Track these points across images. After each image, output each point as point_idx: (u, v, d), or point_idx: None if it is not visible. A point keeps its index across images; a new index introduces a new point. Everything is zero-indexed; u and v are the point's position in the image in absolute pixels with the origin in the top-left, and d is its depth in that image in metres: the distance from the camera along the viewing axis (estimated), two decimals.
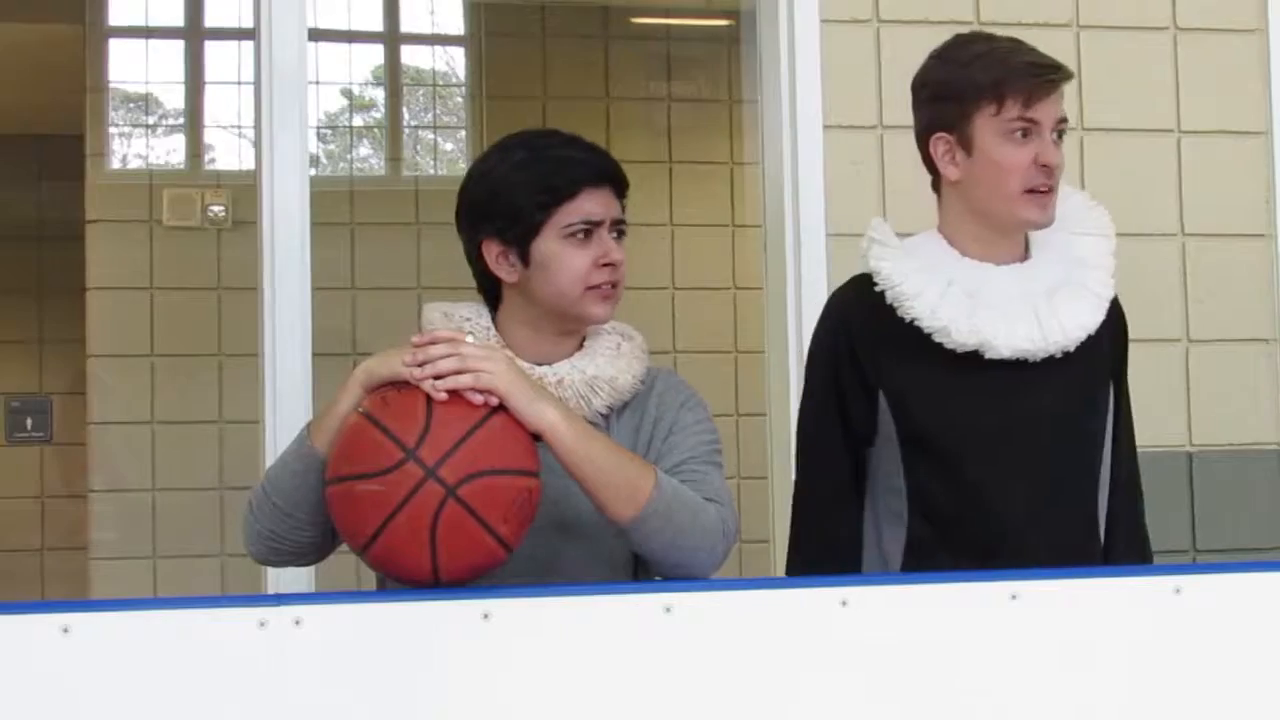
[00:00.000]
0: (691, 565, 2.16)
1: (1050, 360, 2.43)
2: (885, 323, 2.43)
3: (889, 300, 2.44)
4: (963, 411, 2.42)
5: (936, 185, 2.51)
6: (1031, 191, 2.41)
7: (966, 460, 2.42)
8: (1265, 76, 3.44)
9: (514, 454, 2.01)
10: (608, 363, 2.30)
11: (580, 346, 2.33)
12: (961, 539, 2.42)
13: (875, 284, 2.46)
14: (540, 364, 2.28)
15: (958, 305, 2.40)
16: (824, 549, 2.48)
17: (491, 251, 2.29)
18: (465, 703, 1.89)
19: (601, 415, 2.28)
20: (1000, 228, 2.46)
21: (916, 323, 2.41)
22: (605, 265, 2.27)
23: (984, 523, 2.42)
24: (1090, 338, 2.46)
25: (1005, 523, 2.42)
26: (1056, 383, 2.44)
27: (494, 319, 2.33)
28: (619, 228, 2.30)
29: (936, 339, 2.41)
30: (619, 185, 2.31)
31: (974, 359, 2.41)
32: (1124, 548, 2.53)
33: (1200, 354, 3.39)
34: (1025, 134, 2.40)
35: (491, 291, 2.34)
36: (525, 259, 2.27)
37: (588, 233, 2.26)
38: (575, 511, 2.20)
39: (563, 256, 2.26)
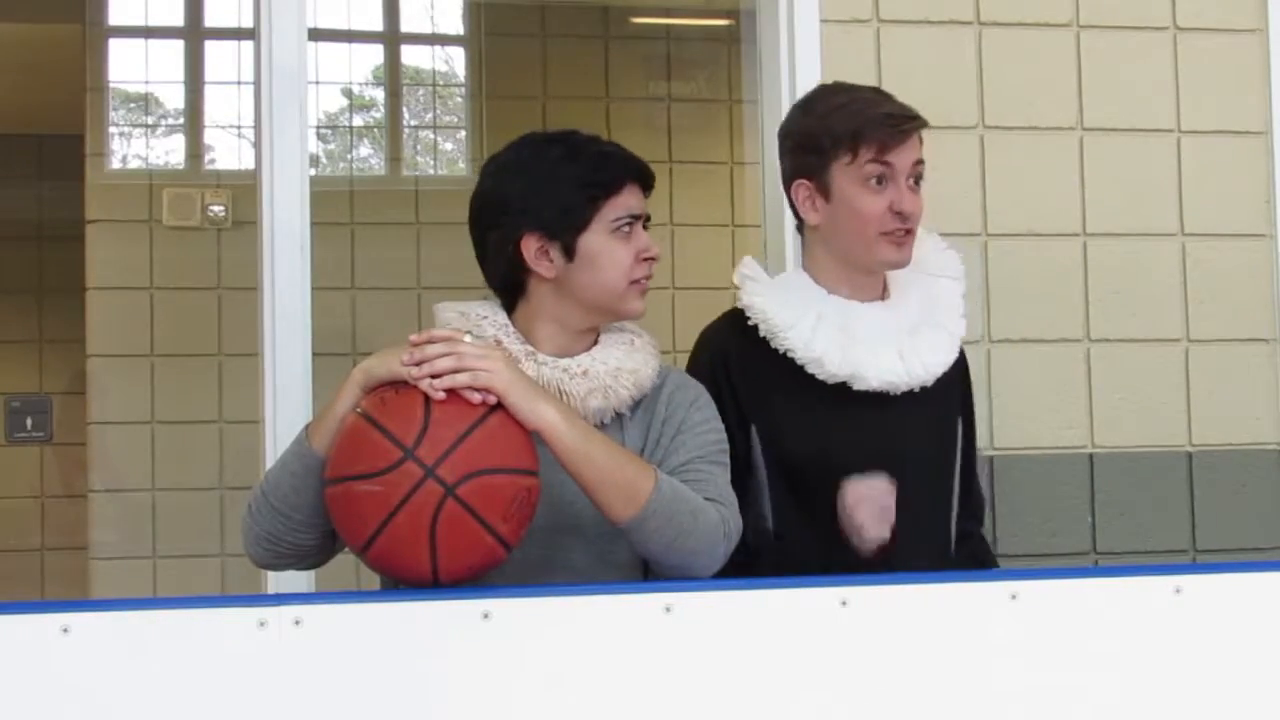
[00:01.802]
0: (691, 566, 2.16)
1: (910, 395, 2.52)
2: (758, 356, 2.51)
3: (763, 334, 2.52)
4: (831, 443, 2.49)
5: (801, 228, 2.61)
6: (888, 235, 2.49)
7: (832, 492, 2.48)
8: (1265, 76, 3.43)
9: (513, 453, 2.01)
10: (625, 356, 2.31)
11: (594, 344, 2.34)
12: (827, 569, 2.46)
13: (748, 319, 2.54)
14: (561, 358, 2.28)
15: (830, 338, 2.49)
16: None
17: (531, 246, 2.28)
18: (465, 702, 1.89)
19: (626, 408, 2.28)
20: (860, 268, 2.55)
21: (790, 354, 2.50)
22: (646, 259, 2.30)
23: (845, 553, 2.48)
24: (945, 374, 2.56)
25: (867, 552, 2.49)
26: (917, 417, 2.54)
27: (510, 317, 2.33)
28: (647, 224, 2.34)
29: (810, 370, 2.49)
30: (648, 183, 2.34)
31: (841, 393, 2.49)
32: (965, 559, 2.61)
33: (1200, 354, 3.38)
34: (880, 181, 2.48)
35: (511, 288, 2.33)
36: (570, 253, 2.27)
37: (629, 227, 2.28)
38: (582, 513, 2.20)
39: (610, 250, 2.28)
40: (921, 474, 2.54)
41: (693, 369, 2.57)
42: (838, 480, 2.48)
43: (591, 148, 2.32)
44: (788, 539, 2.48)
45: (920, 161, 2.52)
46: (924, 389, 2.53)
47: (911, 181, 2.51)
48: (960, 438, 2.63)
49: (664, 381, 2.35)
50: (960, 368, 2.65)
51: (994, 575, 2.09)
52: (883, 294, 2.59)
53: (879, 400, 2.50)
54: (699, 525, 2.15)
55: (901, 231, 2.49)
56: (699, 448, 2.28)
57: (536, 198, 2.27)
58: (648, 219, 2.34)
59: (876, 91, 2.58)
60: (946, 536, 2.59)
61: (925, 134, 2.55)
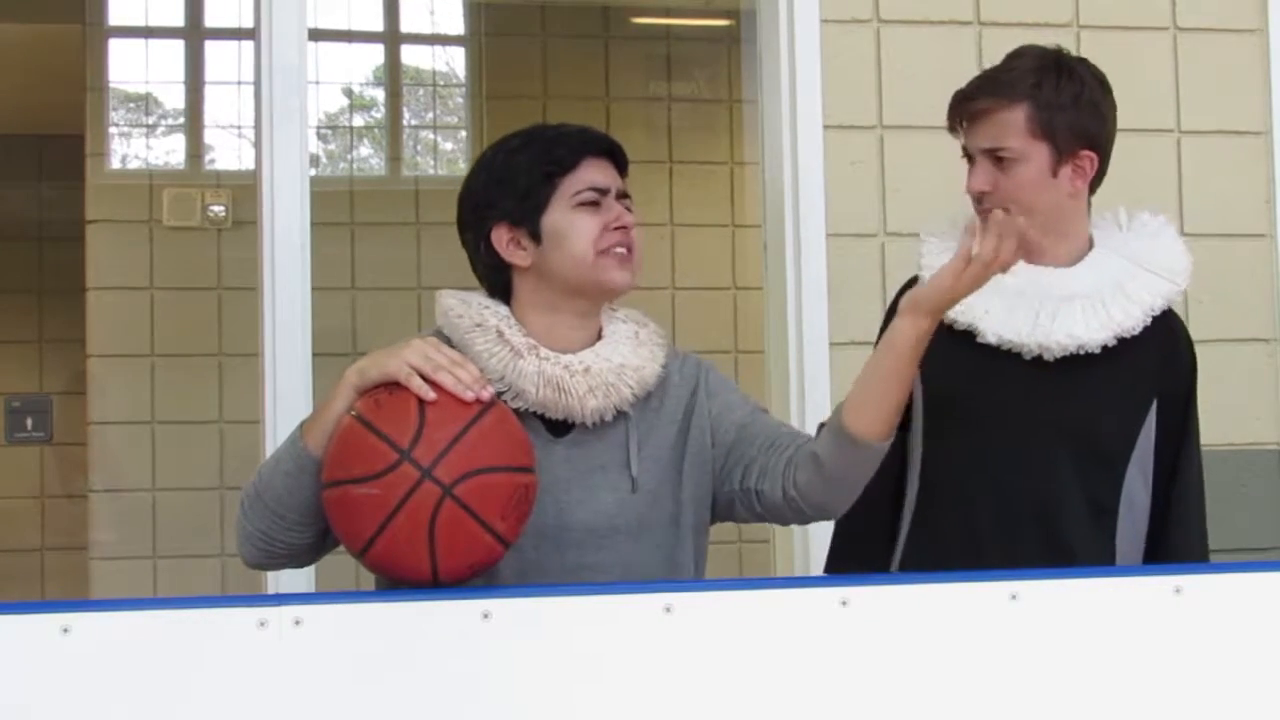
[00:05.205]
0: (843, 503, 2.26)
1: (1076, 368, 2.41)
2: None
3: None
4: (959, 398, 2.42)
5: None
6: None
7: (956, 449, 2.45)
8: (1265, 76, 3.44)
9: (509, 451, 2.01)
10: (631, 352, 2.27)
11: (599, 336, 2.31)
12: (944, 527, 2.46)
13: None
14: (564, 353, 2.25)
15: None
16: (854, 541, 2.54)
17: (501, 238, 2.27)
18: (465, 703, 1.88)
19: (628, 406, 2.26)
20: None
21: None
22: (617, 229, 2.26)
23: (958, 510, 2.46)
24: (1137, 357, 2.44)
25: (984, 514, 2.45)
26: (1073, 387, 2.42)
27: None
28: (625, 201, 2.30)
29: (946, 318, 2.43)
30: (619, 160, 2.31)
31: (990, 352, 2.43)
32: None
33: (1200, 354, 3.38)
34: None
35: (500, 287, 2.31)
36: (536, 236, 2.25)
37: (596, 201, 2.26)
38: (604, 520, 2.21)
39: (574, 224, 2.24)
40: (1064, 448, 2.42)
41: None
42: (976, 434, 2.43)
43: (548, 132, 2.31)
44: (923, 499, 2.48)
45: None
46: (1098, 367, 2.41)
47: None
48: (1143, 435, 2.47)
49: (683, 360, 2.35)
50: (1165, 355, 2.51)
51: (994, 575, 2.08)
52: (1073, 261, 2.49)
53: (1035, 368, 2.40)
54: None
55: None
56: (752, 408, 2.32)
57: (497, 188, 2.27)
58: (624, 195, 2.30)
59: None
60: (1094, 534, 2.44)
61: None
